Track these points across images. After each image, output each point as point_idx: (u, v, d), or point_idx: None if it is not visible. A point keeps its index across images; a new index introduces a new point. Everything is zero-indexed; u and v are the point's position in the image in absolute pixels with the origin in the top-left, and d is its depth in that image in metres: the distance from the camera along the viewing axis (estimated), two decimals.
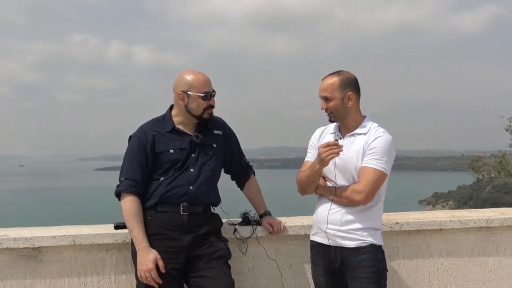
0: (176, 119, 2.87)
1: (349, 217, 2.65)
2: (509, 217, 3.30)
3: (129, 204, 2.73)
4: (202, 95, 2.78)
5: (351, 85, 2.69)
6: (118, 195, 2.78)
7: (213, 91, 2.83)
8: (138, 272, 2.68)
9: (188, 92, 2.78)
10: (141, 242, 2.69)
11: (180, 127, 2.86)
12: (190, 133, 2.85)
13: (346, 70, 2.76)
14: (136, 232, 2.70)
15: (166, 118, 2.89)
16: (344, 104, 2.68)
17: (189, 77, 2.80)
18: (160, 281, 2.66)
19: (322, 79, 2.72)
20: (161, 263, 2.67)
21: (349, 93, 2.67)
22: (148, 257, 2.65)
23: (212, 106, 2.84)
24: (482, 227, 3.28)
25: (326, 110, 2.71)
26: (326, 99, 2.69)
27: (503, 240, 3.32)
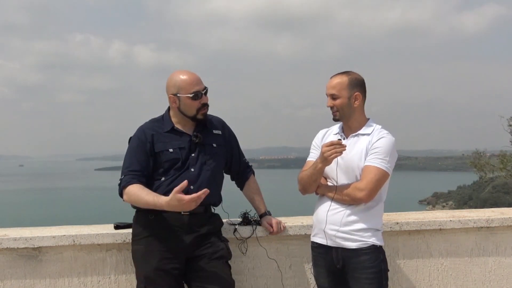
0: (174, 120, 2.86)
1: (350, 217, 2.65)
2: (509, 217, 3.29)
3: (132, 190, 2.67)
4: (191, 95, 2.75)
5: (359, 86, 2.72)
6: (121, 194, 2.73)
7: (204, 88, 2.79)
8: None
9: (178, 95, 2.77)
10: (162, 204, 2.54)
11: (179, 127, 2.85)
12: (189, 133, 2.85)
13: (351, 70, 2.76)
14: (153, 201, 2.57)
15: (165, 118, 2.88)
16: (350, 104, 2.70)
17: (177, 79, 2.77)
18: None
19: (331, 77, 2.74)
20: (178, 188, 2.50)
21: (356, 93, 2.70)
22: (177, 203, 2.48)
23: (205, 104, 2.81)
24: (482, 227, 3.27)
25: (332, 108, 2.73)
26: (333, 97, 2.70)
27: (503, 240, 3.32)
